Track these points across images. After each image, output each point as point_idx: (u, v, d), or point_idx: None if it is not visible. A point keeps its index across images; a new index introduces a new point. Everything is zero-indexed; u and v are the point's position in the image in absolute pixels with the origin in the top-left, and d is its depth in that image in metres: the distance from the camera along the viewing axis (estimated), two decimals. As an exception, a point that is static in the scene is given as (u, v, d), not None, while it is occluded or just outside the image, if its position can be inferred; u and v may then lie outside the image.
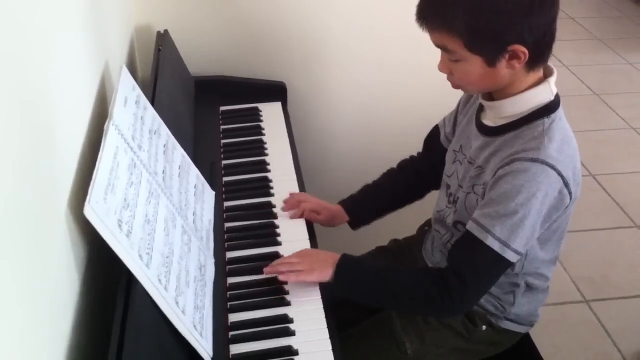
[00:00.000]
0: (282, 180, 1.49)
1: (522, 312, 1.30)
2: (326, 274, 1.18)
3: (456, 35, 1.08)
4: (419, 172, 1.46)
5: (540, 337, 1.46)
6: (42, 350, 0.76)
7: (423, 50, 1.78)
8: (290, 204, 1.39)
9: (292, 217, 1.37)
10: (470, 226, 1.14)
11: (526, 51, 1.07)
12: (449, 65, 1.14)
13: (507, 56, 1.08)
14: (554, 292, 1.36)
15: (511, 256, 1.11)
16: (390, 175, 1.48)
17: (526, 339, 1.38)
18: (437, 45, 1.13)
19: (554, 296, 1.45)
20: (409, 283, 1.19)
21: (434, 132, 1.43)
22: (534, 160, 1.09)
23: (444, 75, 1.18)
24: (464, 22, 1.06)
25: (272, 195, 1.43)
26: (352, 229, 1.48)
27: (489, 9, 1.05)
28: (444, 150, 1.38)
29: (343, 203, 1.46)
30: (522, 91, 1.14)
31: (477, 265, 1.14)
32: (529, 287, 1.28)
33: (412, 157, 1.49)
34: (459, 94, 1.36)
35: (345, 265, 1.20)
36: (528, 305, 1.30)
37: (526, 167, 1.09)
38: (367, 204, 1.46)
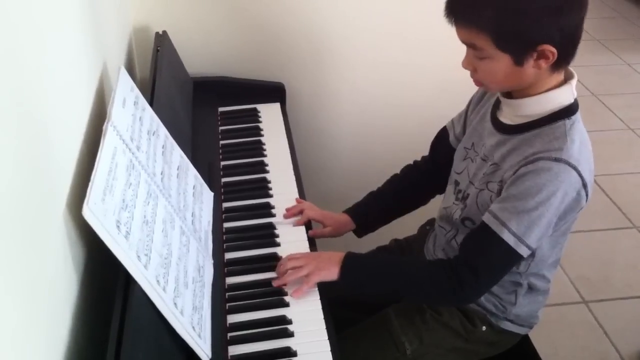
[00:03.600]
0: (281, 181, 1.48)
1: (522, 313, 1.30)
2: (333, 273, 1.19)
3: (486, 33, 1.08)
4: (424, 177, 1.46)
5: (539, 338, 1.46)
6: (40, 352, 0.75)
7: (423, 51, 1.80)
8: (293, 212, 1.38)
9: (295, 224, 1.36)
10: (488, 219, 1.14)
11: (555, 51, 1.07)
12: (474, 63, 1.14)
13: (535, 55, 1.08)
14: (552, 292, 1.36)
15: (524, 251, 1.13)
16: (394, 182, 1.48)
17: (525, 339, 1.38)
18: (465, 42, 1.13)
19: (553, 297, 1.45)
20: (419, 275, 1.22)
21: (442, 134, 1.42)
22: (557, 160, 1.10)
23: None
24: (494, 21, 1.07)
25: (271, 196, 1.43)
26: (358, 237, 1.47)
27: (519, 8, 1.06)
28: (452, 152, 1.37)
29: (349, 211, 1.46)
30: (544, 92, 1.14)
31: (490, 257, 1.15)
32: (530, 288, 1.28)
33: (415, 162, 1.49)
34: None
35: (351, 262, 1.21)
36: (529, 307, 1.30)
37: (549, 166, 1.10)
38: (373, 211, 1.46)
